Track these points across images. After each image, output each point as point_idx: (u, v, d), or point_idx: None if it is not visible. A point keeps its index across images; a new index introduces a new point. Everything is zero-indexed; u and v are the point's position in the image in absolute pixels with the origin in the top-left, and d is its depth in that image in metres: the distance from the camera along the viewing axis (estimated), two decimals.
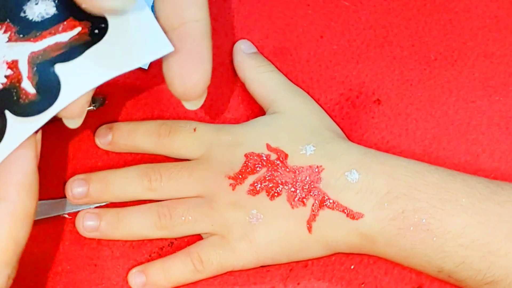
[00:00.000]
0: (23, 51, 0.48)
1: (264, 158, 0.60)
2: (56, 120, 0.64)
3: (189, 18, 0.49)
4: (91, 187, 0.63)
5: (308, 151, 0.60)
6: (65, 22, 0.48)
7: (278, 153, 0.60)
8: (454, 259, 0.57)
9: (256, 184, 0.60)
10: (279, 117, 0.63)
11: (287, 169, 0.60)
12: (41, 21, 0.48)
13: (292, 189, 0.59)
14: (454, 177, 0.59)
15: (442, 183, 0.58)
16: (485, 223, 0.56)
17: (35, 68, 0.48)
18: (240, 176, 0.60)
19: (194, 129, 0.63)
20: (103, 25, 0.48)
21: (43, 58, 0.48)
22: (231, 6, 0.69)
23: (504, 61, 0.67)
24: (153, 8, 0.51)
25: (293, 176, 0.59)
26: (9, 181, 0.48)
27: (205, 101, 0.66)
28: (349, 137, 0.65)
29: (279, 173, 0.60)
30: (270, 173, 0.60)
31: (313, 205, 0.59)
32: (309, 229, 0.59)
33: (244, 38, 0.68)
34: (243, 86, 0.66)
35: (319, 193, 0.59)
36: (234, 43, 0.68)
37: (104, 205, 0.64)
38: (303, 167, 0.60)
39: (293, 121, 0.62)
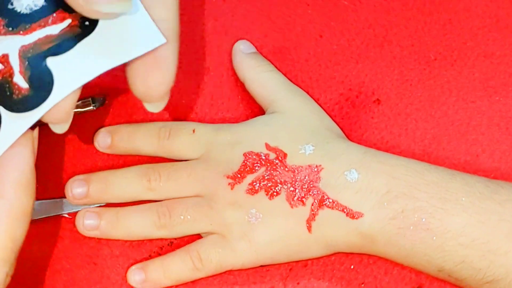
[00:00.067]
0: (13, 45, 0.47)
1: (263, 158, 0.60)
2: None
3: (156, 17, 0.48)
4: (91, 188, 0.63)
5: (307, 151, 0.60)
6: (54, 14, 0.47)
7: (277, 153, 0.60)
8: (454, 258, 0.57)
9: (255, 183, 0.60)
10: (278, 117, 0.63)
11: (286, 169, 0.60)
12: (30, 13, 0.48)
13: (291, 189, 0.59)
14: (454, 176, 0.59)
15: (442, 182, 0.58)
16: (485, 222, 0.56)
17: (27, 62, 0.47)
18: (239, 176, 0.60)
19: (193, 130, 0.63)
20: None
21: (34, 52, 0.47)
22: (230, 6, 0.69)
23: (504, 61, 0.67)
24: None
25: (292, 176, 0.59)
26: (6, 179, 0.48)
27: (205, 100, 0.66)
28: (349, 137, 0.65)
29: (278, 172, 0.60)
30: (269, 172, 0.60)
31: (312, 205, 0.59)
32: (309, 228, 0.59)
33: (243, 38, 0.68)
34: (243, 86, 0.66)
35: (318, 192, 0.59)
36: (233, 42, 0.68)
37: (103, 205, 0.64)
38: (302, 167, 0.60)
39: (292, 121, 0.62)
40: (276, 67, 0.67)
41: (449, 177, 0.59)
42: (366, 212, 0.58)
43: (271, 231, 0.60)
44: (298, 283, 0.62)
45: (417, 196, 0.57)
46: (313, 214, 0.59)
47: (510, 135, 0.66)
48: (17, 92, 0.47)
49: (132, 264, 0.63)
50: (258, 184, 0.60)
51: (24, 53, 0.47)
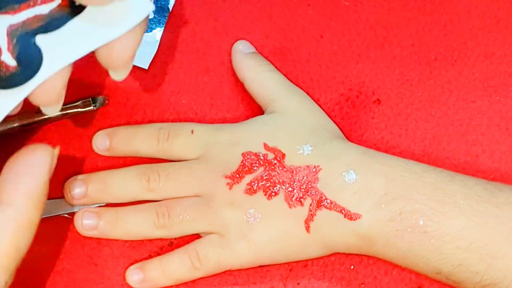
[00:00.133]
0: (1, 24, 0.47)
1: (262, 158, 0.60)
2: (55, 121, 0.64)
3: None
4: (89, 188, 0.63)
5: (306, 151, 0.60)
6: None
7: (276, 153, 0.60)
8: (452, 261, 0.57)
9: (253, 183, 0.60)
10: (277, 117, 0.63)
11: (285, 169, 0.60)
12: None
13: (290, 189, 0.59)
14: (453, 178, 0.59)
15: (441, 184, 0.58)
16: (483, 226, 0.56)
17: (15, 40, 0.47)
18: (237, 176, 0.60)
19: (192, 131, 0.63)
20: None
21: (23, 30, 0.47)
22: (231, 6, 0.69)
23: (504, 61, 0.67)
24: None
25: (290, 176, 0.60)
26: (19, 188, 0.48)
27: (205, 100, 0.66)
28: (349, 137, 0.65)
29: (276, 172, 0.60)
30: (267, 172, 0.60)
31: (310, 205, 0.59)
32: (307, 228, 0.59)
33: (244, 38, 0.68)
34: (243, 86, 0.66)
35: (317, 193, 0.59)
36: (234, 43, 0.68)
37: (103, 205, 0.64)
38: (300, 167, 0.60)
39: (291, 121, 0.62)
40: (276, 68, 0.67)
41: (448, 179, 0.59)
42: (364, 213, 0.58)
43: (269, 231, 0.60)
44: (298, 283, 0.62)
45: (415, 198, 0.57)
46: (311, 214, 0.59)
47: (510, 136, 0.66)
48: (4, 69, 0.47)
49: (132, 265, 0.63)
50: (256, 184, 0.60)
51: (12, 31, 0.47)
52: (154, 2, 0.69)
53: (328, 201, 0.58)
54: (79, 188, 0.63)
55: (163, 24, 0.69)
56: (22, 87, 0.47)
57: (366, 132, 0.66)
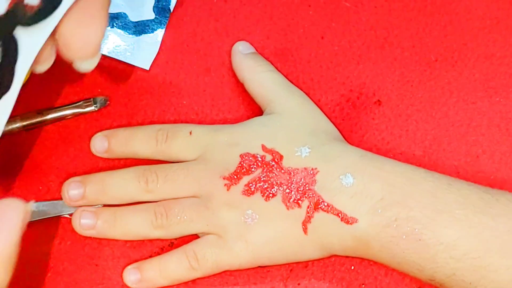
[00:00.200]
0: None
1: (259, 159, 0.60)
2: (56, 121, 0.64)
3: None
4: (87, 189, 0.63)
5: (304, 153, 0.60)
6: None
7: (273, 154, 0.60)
8: (445, 270, 0.57)
9: (251, 184, 0.60)
10: (275, 118, 0.63)
11: (282, 171, 0.60)
12: None
13: (287, 191, 0.59)
14: (450, 186, 0.59)
15: (437, 192, 0.58)
16: (477, 237, 0.56)
17: None
18: (235, 177, 0.60)
19: (190, 132, 0.63)
20: None
21: None
22: (232, 7, 0.69)
23: (505, 62, 0.67)
24: None
25: (288, 178, 0.60)
26: None
27: (206, 101, 0.66)
28: (350, 138, 0.65)
29: (274, 174, 0.60)
30: (265, 174, 0.60)
31: (308, 207, 0.59)
32: (305, 230, 0.59)
33: (245, 39, 0.68)
34: (243, 87, 0.66)
35: (314, 195, 0.59)
36: (235, 43, 0.68)
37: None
38: (298, 169, 0.60)
39: (289, 122, 0.62)
40: (277, 68, 0.67)
41: (445, 186, 0.58)
42: (360, 217, 0.58)
43: (267, 232, 0.60)
44: (298, 284, 0.63)
45: (411, 206, 0.57)
46: (308, 216, 0.59)
47: (511, 136, 0.66)
48: (30, 9, 0.47)
49: None
50: (254, 186, 0.60)
51: None
52: (155, 3, 0.69)
53: (325, 204, 0.59)
54: (77, 190, 0.63)
55: (164, 25, 0.69)
56: (48, 19, 0.47)
57: (366, 133, 0.66)
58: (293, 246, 0.60)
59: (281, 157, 0.60)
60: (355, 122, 0.66)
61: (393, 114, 0.66)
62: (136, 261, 0.63)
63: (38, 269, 0.63)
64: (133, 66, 0.68)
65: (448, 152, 0.65)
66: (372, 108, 0.67)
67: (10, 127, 0.65)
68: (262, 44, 0.68)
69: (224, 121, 0.66)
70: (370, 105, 0.67)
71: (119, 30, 0.69)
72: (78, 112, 0.66)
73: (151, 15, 0.69)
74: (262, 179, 0.60)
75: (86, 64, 0.51)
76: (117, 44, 0.69)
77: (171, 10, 0.69)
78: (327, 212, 0.58)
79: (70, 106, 0.66)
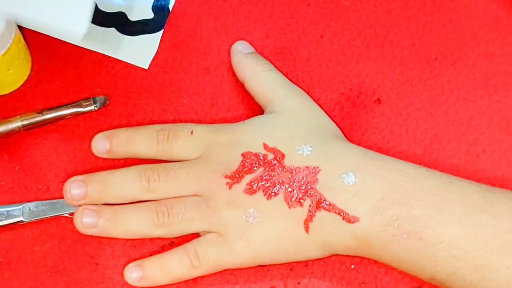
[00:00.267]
0: None
1: (261, 158, 0.60)
2: (56, 121, 0.64)
3: None
4: (89, 189, 0.62)
5: (305, 152, 0.60)
6: None
7: (275, 153, 0.60)
8: (446, 269, 0.57)
9: (253, 183, 0.60)
10: (276, 117, 0.63)
11: (284, 169, 0.60)
12: None
13: (289, 189, 0.59)
14: (451, 184, 0.59)
15: (438, 190, 0.58)
16: (478, 236, 0.56)
17: None
18: (237, 175, 0.60)
19: (191, 132, 0.63)
20: None
21: None
22: (231, 6, 0.69)
23: (504, 60, 0.67)
24: None
25: (290, 176, 0.60)
26: None
27: (205, 100, 0.66)
28: (349, 137, 0.65)
29: (276, 173, 0.60)
30: (267, 172, 0.60)
31: (310, 206, 0.59)
32: (306, 229, 0.59)
33: (244, 38, 0.68)
34: (243, 86, 0.66)
35: (316, 194, 0.59)
36: (234, 42, 0.68)
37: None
38: (299, 168, 0.60)
39: (290, 121, 0.62)
40: (277, 67, 0.67)
41: (446, 185, 0.59)
42: (361, 216, 0.58)
43: (269, 230, 0.60)
44: (298, 283, 0.63)
45: (412, 204, 0.57)
46: (310, 215, 0.59)
47: (510, 135, 0.66)
48: None
49: None
50: (256, 184, 0.60)
51: None
52: (154, 2, 0.69)
53: (327, 203, 0.59)
54: (78, 189, 0.62)
55: (163, 24, 0.69)
56: None
57: (366, 131, 0.66)
58: (294, 245, 0.60)
59: (283, 155, 0.60)
60: (355, 121, 0.66)
61: (393, 112, 0.66)
62: (136, 260, 0.63)
63: (38, 268, 0.63)
64: (133, 65, 0.68)
65: (448, 151, 0.65)
66: (372, 106, 0.67)
67: (10, 127, 0.65)
68: (261, 43, 0.68)
69: (224, 120, 0.66)
70: (370, 104, 0.67)
71: (118, 30, 0.69)
72: (78, 111, 0.66)
73: (150, 15, 0.69)
74: (264, 178, 0.60)
75: None
76: (117, 44, 0.69)
77: (170, 9, 0.69)
78: (329, 211, 0.58)
79: (70, 105, 0.66)
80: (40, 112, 0.65)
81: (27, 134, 0.66)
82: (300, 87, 0.66)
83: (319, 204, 0.59)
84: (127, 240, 0.63)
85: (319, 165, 0.59)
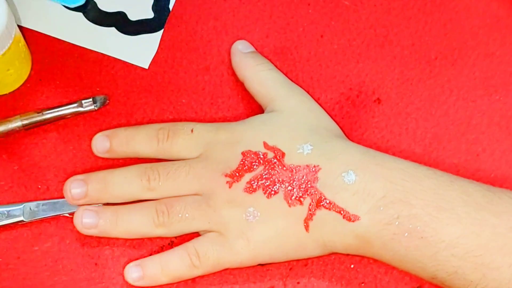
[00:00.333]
0: None
1: (261, 156, 0.60)
2: (55, 121, 0.64)
3: None
4: (89, 188, 0.62)
5: (306, 150, 0.60)
6: None
7: (275, 152, 0.60)
8: (447, 268, 0.57)
9: (253, 182, 0.60)
10: (277, 116, 0.63)
11: (284, 168, 0.60)
12: None
13: (289, 188, 0.59)
14: (452, 183, 0.59)
15: (439, 189, 0.58)
16: (479, 235, 0.56)
17: None
18: (237, 174, 0.60)
19: (192, 130, 0.63)
20: None
21: None
22: (231, 6, 0.69)
23: (504, 60, 0.67)
24: None
25: (290, 175, 0.59)
26: None
27: (205, 100, 0.66)
28: (349, 136, 0.65)
29: (276, 171, 0.60)
30: (267, 171, 0.60)
31: (310, 205, 0.59)
32: (306, 227, 0.59)
33: (244, 37, 0.68)
34: (243, 85, 0.66)
35: (316, 193, 0.59)
36: (234, 42, 0.68)
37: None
38: (300, 166, 0.60)
39: (291, 120, 0.62)
40: (277, 67, 0.67)
41: (447, 184, 0.59)
42: (362, 215, 0.58)
43: (269, 229, 0.60)
44: (298, 283, 0.62)
45: (413, 203, 0.57)
46: (310, 214, 0.59)
47: (510, 134, 0.66)
48: None
49: None
50: (256, 183, 0.60)
51: None
52: (154, 1, 0.69)
53: (327, 201, 0.58)
54: (79, 189, 0.62)
55: (163, 24, 0.69)
56: None
57: (366, 131, 0.66)
58: (294, 244, 0.60)
59: (283, 154, 0.60)
60: (354, 120, 0.66)
61: (392, 112, 0.66)
62: (136, 259, 0.62)
63: (38, 268, 0.63)
64: (133, 65, 0.68)
65: (448, 150, 0.65)
66: (371, 106, 0.67)
67: (10, 126, 0.65)
68: (261, 42, 0.68)
69: (224, 120, 0.66)
70: (370, 104, 0.67)
71: (118, 29, 0.69)
72: (78, 111, 0.66)
73: (150, 14, 0.69)
74: (264, 176, 0.60)
75: None
76: (117, 43, 0.69)
77: (170, 9, 0.69)
78: (329, 209, 0.58)
79: (69, 105, 0.66)
80: (40, 112, 0.65)
81: (27, 133, 0.66)
82: (300, 87, 0.66)
83: (319, 202, 0.58)
84: (126, 240, 0.63)
85: (319, 163, 0.59)
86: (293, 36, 0.69)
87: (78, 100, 0.66)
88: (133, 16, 0.69)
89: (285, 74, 0.66)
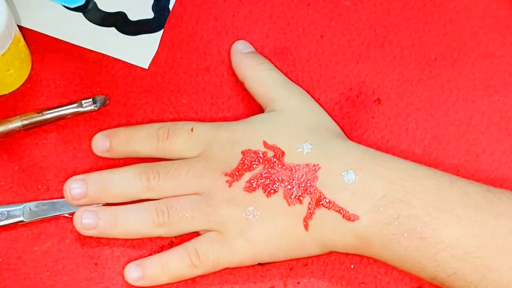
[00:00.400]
0: None
1: (261, 155, 0.60)
2: (55, 121, 0.64)
3: None
4: (89, 188, 0.62)
5: (305, 149, 0.60)
6: None
7: (275, 151, 0.60)
8: (447, 269, 0.57)
9: (252, 181, 0.60)
10: (277, 115, 0.63)
11: (284, 167, 0.60)
12: None
13: (289, 187, 0.59)
14: (452, 184, 0.59)
15: (439, 190, 0.58)
16: (479, 236, 0.56)
17: None
18: (236, 173, 0.60)
19: (191, 129, 0.63)
20: None
21: None
22: (231, 6, 0.69)
23: (504, 61, 0.67)
24: None
25: (289, 174, 0.59)
26: None
27: (205, 100, 0.66)
28: (349, 137, 0.65)
29: (275, 170, 0.60)
30: (266, 170, 0.60)
31: (309, 204, 0.59)
32: (306, 226, 0.59)
33: (244, 38, 0.68)
34: (243, 85, 0.66)
35: (316, 192, 0.59)
36: (234, 42, 0.68)
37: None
38: (299, 165, 0.60)
39: (290, 119, 0.62)
40: (277, 67, 0.67)
41: (447, 184, 0.59)
42: (362, 214, 0.58)
43: (268, 228, 0.60)
44: (298, 283, 0.62)
45: (413, 203, 0.57)
46: (310, 213, 0.59)
47: (510, 135, 0.66)
48: None
49: None
50: (255, 182, 0.60)
51: None
52: (154, 2, 0.70)
53: (327, 201, 0.58)
54: (79, 189, 0.62)
55: (163, 24, 0.69)
56: None
57: (366, 131, 0.66)
58: (294, 243, 0.60)
59: (283, 153, 0.60)
60: (354, 120, 0.66)
61: (392, 112, 0.66)
62: (136, 259, 0.62)
63: (38, 268, 0.63)
64: (133, 65, 0.68)
65: (448, 151, 0.65)
66: (371, 106, 0.67)
67: (10, 126, 0.65)
68: (261, 43, 0.69)
69: (223, 120, 0.66)
70: (370, 104, 0.67)
71: (118, 30, 0.69)
72: (78, 111, 0.66)
73: (150, 14, 0.69)
74: (264, 175, 0.60)
75: None
76: (117, 44, 0.69)
77: (170, 9, 0.69)
78: (329, 208, 0.58)
79: (69, 105, 0.66)
80: (40, 112, 0.65)
81: (27, 134, 0.66)
82: (300, 87, 0.66)
83: (318, 201, 0.58)
84: (126, 240, 0.63)
85: (319, 163, 0.59)
86: (293, 36, 0.69)
87: (78, 100, 0.66)
88: (133, 16, 0.69)
89: (285, 74, 0.66)
